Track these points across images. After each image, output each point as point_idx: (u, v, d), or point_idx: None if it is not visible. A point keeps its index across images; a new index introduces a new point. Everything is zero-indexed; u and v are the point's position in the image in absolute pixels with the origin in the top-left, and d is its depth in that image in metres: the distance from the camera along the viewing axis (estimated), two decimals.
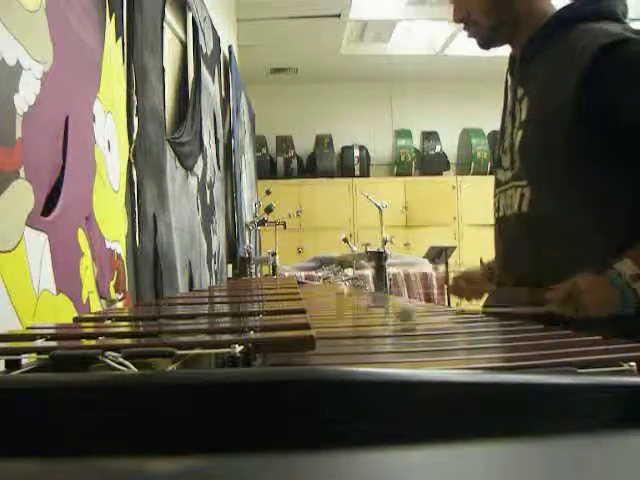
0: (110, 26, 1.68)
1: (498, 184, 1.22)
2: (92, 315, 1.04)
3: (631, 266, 0.97)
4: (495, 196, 1.23)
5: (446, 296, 4.62)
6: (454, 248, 5.80)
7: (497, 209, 1.22)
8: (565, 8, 1.14)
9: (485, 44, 1.20)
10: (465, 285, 1.30)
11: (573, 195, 1.05)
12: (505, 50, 1.25)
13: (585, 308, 0.99)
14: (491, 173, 5.83)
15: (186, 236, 2.55)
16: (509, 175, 1.17)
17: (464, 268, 1.37)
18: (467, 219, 6.85)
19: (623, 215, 1.03)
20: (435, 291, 4.58)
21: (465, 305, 1.31)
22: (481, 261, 1.31)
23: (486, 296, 1.30)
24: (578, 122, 1.01)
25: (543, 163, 1.09)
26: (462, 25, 1.19)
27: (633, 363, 0.53)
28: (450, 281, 1.37)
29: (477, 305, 1.28)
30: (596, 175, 1.04)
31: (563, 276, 1.02)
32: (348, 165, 7.12)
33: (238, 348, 0.56)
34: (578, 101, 1.01)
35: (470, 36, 1.21)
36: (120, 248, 1.66)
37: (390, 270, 3.84)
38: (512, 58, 1.24)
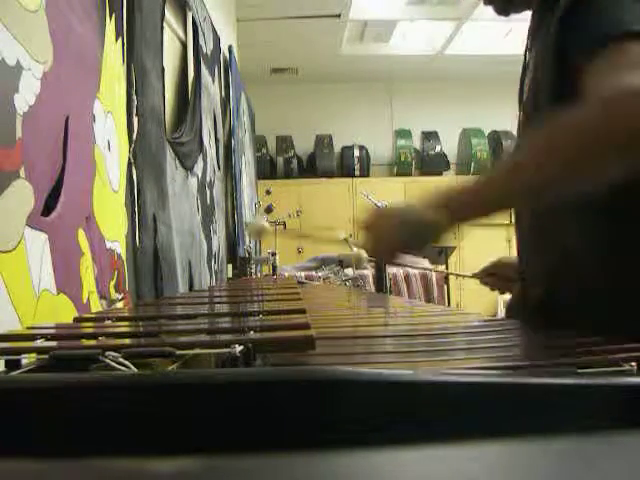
0: (110, 26, 1.68)
1: None
2: (92, 315, 1.04)
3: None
4: None
5: (446, 296, 4.62)
6: (454, 248, 5.80)
7: None
8: None
9: (502, 10, 1.09)
10: (496, 275, 1.22)
11: None
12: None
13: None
14: None
15: (186, 236, 2.55)
16: None
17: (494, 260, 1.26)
18: None
19: (628, 198, 0.89)
20: (435, 291, 4.58)
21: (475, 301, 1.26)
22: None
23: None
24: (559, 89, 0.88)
25: None
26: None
27: (633, 363, 0.53)
28: (482, 270, 1.28)
29: (477, 302, 1.26)
30: None
31: (575, 273, 0.94)
32: (348, 165, 7.12)
33: (238, 348, 0.56)
34: (555, 58, 0.88)
35: (486, 3, 1.13)
36: (120, 248, 1.66)
37: (390, 270, 3.83)
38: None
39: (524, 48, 1.12)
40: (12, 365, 0.56)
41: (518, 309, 1.10)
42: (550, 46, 0.91)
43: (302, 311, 0.86)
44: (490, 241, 5.77)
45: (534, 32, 1.05)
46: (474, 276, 1.31)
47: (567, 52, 0.87)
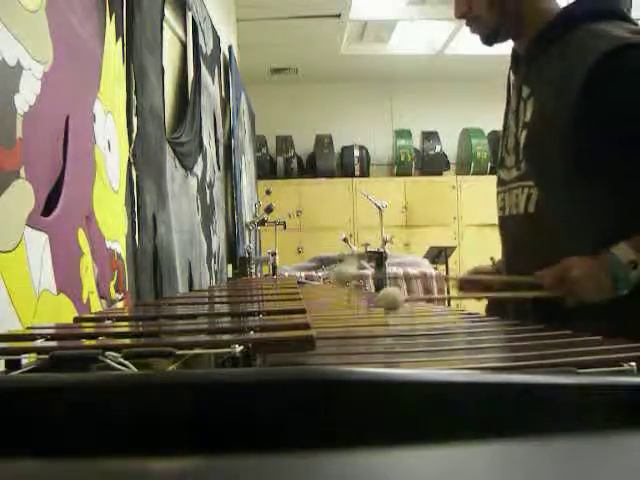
0: (110, 26, 1.68)
1: (501, 183, 1.21)
2: (92, 315, 1.04)
3: (627, 250, 0.97)
4: (498, 194, 1.23)
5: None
6: (454, 248, 5.80)
7: (501, 208, 1.21)
8: (571, 6, 1.12)
9: (488, 40, 1.18)
10: (472, 283, 1.27)
11: (576, 198, 1.05)
12: (506, 49, 1.23)
13: (578, 292, 0.98)
14: (491, 173, 5.83)
15: (186, 236, 2.55)
16: (514, 174, 1.16)
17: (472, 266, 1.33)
18: (467, 219, 6.85)
19: (625, 219, 1.02)
20: (435, 291, 4.58)
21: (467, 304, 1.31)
22: (492, 260, 1.29)
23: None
24: (579, 127, 1.01)
25: (547, 165, 1.08)
26: (464, 21, 1.17)
27: (633, 363, 0.53)
28: (457, 279, 1.34)
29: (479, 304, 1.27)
30: (598, 179, 1.03)
31: None
32: (348, 165, 7.12)
33: (238, 348, 0.56)
34: (579, 106, 1.00)
35: (473, 32, 1.19)
36: (120, 248, 1.66)
37: (390, 270, 3.83)
38: (515, 55, 1.22)
39: (511, 71, 1.20)
40: (12, 365, 0.56)
41: (499, 309, 1.17)
42: (572, 101, 1.02)
43: (302, 311, 0.86)
44: (489, 241, 5.76)
45: (529, 62, 1.13)
46: (455, 283, 1.35)
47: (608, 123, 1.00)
